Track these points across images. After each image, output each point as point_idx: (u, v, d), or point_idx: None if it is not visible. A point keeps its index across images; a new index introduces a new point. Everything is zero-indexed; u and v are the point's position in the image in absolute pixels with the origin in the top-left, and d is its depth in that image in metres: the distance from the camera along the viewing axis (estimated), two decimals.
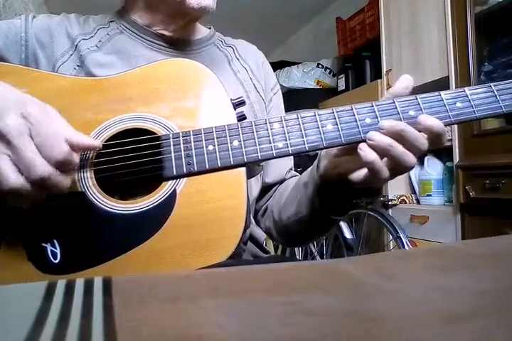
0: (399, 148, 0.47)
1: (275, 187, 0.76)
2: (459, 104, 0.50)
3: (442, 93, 0.50)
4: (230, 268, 0.34)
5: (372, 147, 0.47)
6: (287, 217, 0.67)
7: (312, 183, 0.60)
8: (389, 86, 2.01)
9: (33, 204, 0.45)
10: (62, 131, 0.44)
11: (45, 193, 0.44)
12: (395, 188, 2.01)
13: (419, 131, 0.48)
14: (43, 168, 0.42)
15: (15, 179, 0.41)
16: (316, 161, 0.60)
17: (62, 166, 0.43)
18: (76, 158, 0.45)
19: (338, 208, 0.60)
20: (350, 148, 0.52)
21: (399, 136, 0.47)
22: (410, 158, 0.47)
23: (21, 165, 0.41)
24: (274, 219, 0.71)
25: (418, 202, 1.96)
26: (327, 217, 0.61)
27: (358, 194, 0.58)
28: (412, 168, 0.48)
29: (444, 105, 0.50)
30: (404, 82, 0.52)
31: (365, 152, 0.47)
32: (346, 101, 2.35)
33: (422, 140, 0.47)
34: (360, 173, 0.50)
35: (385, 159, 0.48)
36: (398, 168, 0.48)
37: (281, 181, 0.76)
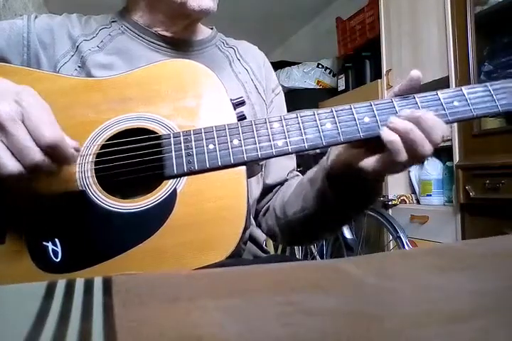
0: (418, 133, 0.48)
1: (276, 188, 0.75)
2: (456, 103, 0.50)
3: (440, 92, 0.51)
4: (230, 268, 0.34)
5: (393, 129, 0.48)
6: (293, 213, 0.66)
7: (321, 179, 0.60)
8: (389, 86, 2.01)
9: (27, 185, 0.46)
10: (53, 120, 0.44)
11: (38, 176, 0.44)
12: (395, 188, 2.01)
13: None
14: (36, 153, 0.41)
15: (12, 165, 0.41)
16: (324, 158, 0.60)
17: (55, 150, 0.43)
18: (66, 142, 0.44)
19: (356, 202, 0.60)
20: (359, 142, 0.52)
21: (418, 122, 0.48)
22: (427, 145, 0.48)
23: (15, 150, 0.41)
24: (276, 216, 0.71)
25: (418, 202, 1.95)
26: (341, 212, 0.60)
27: (372, 185, 0.57)
28: (426, 157, 0.49)
29: (442, 104, 0.50)
30: (413, 82, 0.51)
31: (387, 133, 0.48)
32: (346, 101, 2.32)
33: (441, 129, 0.48)
34: (373, 159, 0.50)
35: (405, 142, 0.48)
36: (415, 155, 0.48)
37: (283, 182, 0.76)
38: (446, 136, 0.50)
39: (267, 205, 0.75)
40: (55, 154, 0.43)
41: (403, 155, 0.48)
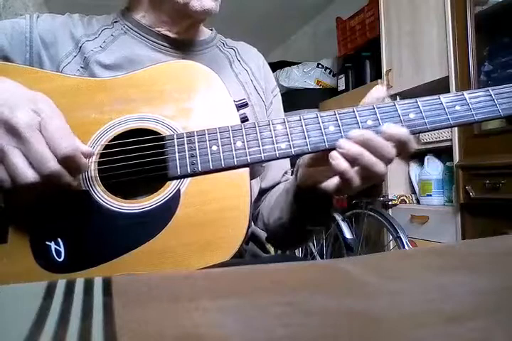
0: (368, 157, 0.47)
1: (269, 191, 0.76)
2: (458, 108, 0.51)
3: (442, 96, 0.52)
4: (230, 268, 0.34)
5: (343, 155, 0.48)
6: (273, 221, 0.68)
7: (291, 192, 0.61)
8: (389, 86, 2.01)
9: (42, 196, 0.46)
10: (69, 130, 0.45)
11: (53, 188, 0.45)
12: (395, 188, 2.01)
13: (386, 140, 0.48)
14: (53, 163, 0.42)
15: (30, 175, 0.42)
16: (294, 170, 0.60)
17: (70, 161, 0.44)
18: (82, 155, 0.45)
19: (315, 218, 0.61)
20: (321, 159, 0.52)
21: (366, 145, 0.48)
22: (380, 166, 0.48)
23: (32, 158, 0.42)
24: (264, 222, 0.72)
25: (418, 202, 1.96)
26: (304, 225, 0.62)
27: (330, 204, 0.58)
28: (382, 175, 0.49)
29: (444, 108, 0.51)
30: (377, 92, 0.53)
31: (337, 160, 0.48)
32: (346, 101, 2.35)
33: (389, 148, 0.48)
34: (332, 182, 0.50)
35: (356, 168, 0.48)
36: (369, 175, 0.48)
37: (276, 184, 0.76)
38: (410, 147, 0.49)
39: (258, 209, 0.76)
40: (70, 164, 0.44)
41: (355, 182, 0.48)
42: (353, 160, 0.48)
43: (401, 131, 0.48)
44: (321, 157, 0.52)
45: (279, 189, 0.72)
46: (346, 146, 0.48)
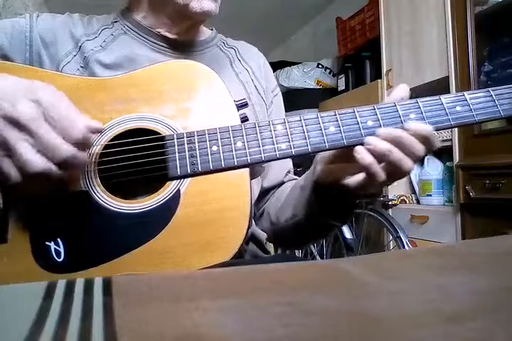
0: (397, 153, 0.48)
1: (273, 191, 0.76)
2: (458, 108, 0.51)
3: (442, 97, 0.51)
4: (230, 268, 0.34)
5: (370, 151, 0.48)
6: (285, 220, 0.67)
7: (309, 188, 0.60)
8: (389, 86, 2.01)
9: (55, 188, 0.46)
10: (74, 112, 0.45)
11: (68, 174, 0.45)
12: (395, 188, 2.00)
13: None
14: (66, 148, 0.42)
15: (41, 163, 0.42)
16: (311, 166, 0.60)
17: (83, 144, 0.44)
18: (90, 135, 0.46)
19: (338, 213, 0.60)
20: (343, 156, 0.52)
21: (395, 142, 0.48)
22: (408, 163, 0.48)
23: (44, 148, 0.42)
24: (271, 222, 0.71)
25: (418, 202, 1.95)
26: (326, 221, 0.61)
27: (356, 198, 0.58)
28: (408, 172, 0.49)
29: (444, 109, 0.51)
30: (402, 92, 0.52)
31: (362, 154, 0.48)
32: (346, 101, 2.35)
33: (418, 145, 0.48)
34: (356, 178, 0.50)
35: (383, 164, 0.49)
36: (396, 172, 0.49)
37: (279, 184, 0.76)
38: (434, 144, 0.49)
39: (262, 208, 0.75)
40: (83, 147, 0.44)
41: (380, 177, 0.48)
42: (380, 157, 0.48)
43: (426, 128, 0.48)
44: (342, 154, 0.52)
45: (286, 188, 0.72)
46: (374, 142, 0.48)
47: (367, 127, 0.50)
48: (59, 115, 0.43)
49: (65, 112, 0.43)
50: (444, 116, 0.50)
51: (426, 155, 0.50)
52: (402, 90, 0.53)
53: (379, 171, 0.48)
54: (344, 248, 1.86)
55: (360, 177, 0.50)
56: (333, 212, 0.60)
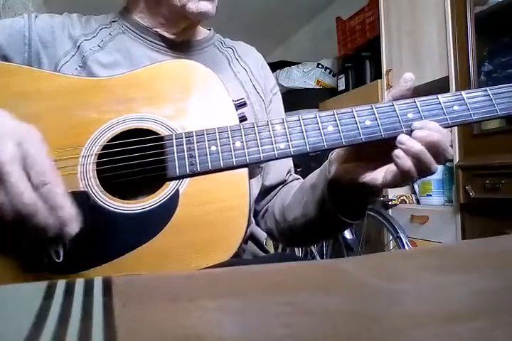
0: (429, 156, 0.48)
1: (276, 189, 0.76)
2: (456, 107, 0.51)
3: (440, 96, 0.52)
4: (230, 268, 0.34)
5: (406, 151, 0.48)
6: (293, 219, 0.67)
7: (322, 186, 0.60)
8: (389, 86, 2.01)
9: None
10: (50, 161, 0.41)
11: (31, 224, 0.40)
12: (395, 188, 2.00)
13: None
14: (27, 194, 0.38)
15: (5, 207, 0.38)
16: (326, 165, 0.60)
17: (48, 196, 0.39)
18: (61, 189, 0.41)
19: (353, 211, 0.60)
20: (359, 154, 0.53)
21: (431, 146, 0.48)
22: (435, 164, 0.49)
23: (8, 194, 0.38)
24: (276, 220, 0.71)
25: (418, 202, 1.95)
26: (339, 219, 0.61)
27: (371, 196, 0.58)
28: (434, 173, 0.50)
29: (442, 108, 0.51)
30: (408, 83, 0.52)
31: (402, 159, 0.48)
32: (346, 101, 2.35)
33: (449, 148, 0.49)
34: (386, 175, 0.50)
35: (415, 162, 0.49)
36: (424, 173, 0.49)
37: (282, 182, 0.76)
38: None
39: (265, 207, 0.75)
40: (49, 201, 0.39)
41: (415, 177, 0.49)
42: (415, 157, 0.48)
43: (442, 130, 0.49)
44: (357, 152, 0.53)
45: (293, 187, 0.72)
46: (411, 145, 0.48)
47: (365, 126, 0.50)
48: (35, 159, 0.39)
49: (42, 158, 0.40)
50: (442, 115, 0.50)
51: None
52: (408, 81, 0.52)
53: (414, 172, 0.48)
54: (344, 248, 1.86)
55: (390, 175, 0.50)
56: (347, 210, 0.59)
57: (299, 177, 0.78)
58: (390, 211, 1.97)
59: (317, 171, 0.64)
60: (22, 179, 0.39)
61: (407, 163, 0.48)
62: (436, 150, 0.48)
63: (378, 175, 0.51)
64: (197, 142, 0.50)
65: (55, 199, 0.40)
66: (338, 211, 0.59)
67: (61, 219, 0.40)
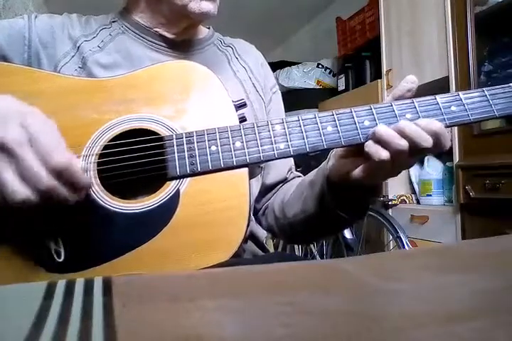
0: (401, 141, 0.48)
1: (277, 187, 0.76)
2: (453, 108, 0.51)
3: (438, 97, 0.52)
4: (230, 268, 0.34)
5: (378, 140, 0.48)
6: (293, 215, 0.67)
7: (321, 181, 0.60)
8: (389, 86, 2.01)
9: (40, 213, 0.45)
10: (60, 141, 0.43)
11: (52, 203, 0.43)
12: (395, 188, 2.00)
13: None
14: (46, 178, 0.41)
15: (22, 191, 0.40)
16: (325, 161, 0.60)
17: (66, 175, 0.42)
18: (77, 166, 0.44)
19: (352, 207, 0.60)
20: (357, 150, 0.52)
21: (401, 132, 0.48)
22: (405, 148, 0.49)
23: (25, 176, 0.41)
24: (276, 216, 0.71)
25: (418, 202, 1.95)
26: (338, 215, 0.61)
27: (370, 192, 0.58)
28: (411, 166, 0.51)
29: (440, 109, 0.51)
30: (409, 84, 0.52)
31: (372, 148, 0.49)
32: (346, 101, 2.35)
33: (426, 137, 0.48)
34: (360, 169, 0.51)
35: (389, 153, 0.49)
36: (401, 164, 0.50)
37: (283, 180, 0.76)
38: (445, 143, 0.50)
39: (265, 204, 0.75)
40: (67, 178, 0.42)
41: (388, 166, 0.49)
42: (385, 144, 0.48)
43: (436, 124, 0.49)
44: (355, 148, 0.53)
45: (293, 185, 0.72)
46: (382, 129, 0.49)
47: (364, 127, 0.51)
48: (44, 142, 0.41)
49: (51, 140, 0.42)
50: (440, 115, 0.51)
51: (439, 151, 0.51)
52: (409, 83, 0.53)
53: (386, 161, 0.49)
54: (344, 248, 1.85)
55: (361, 167, 0.51)
56: (346, 205, 0.59)
57: (300, 174, 0.78)
58: (390, 211, 1.97)
59: (317, 169, 0.64)
60: (35, 160, 0.41)
61: (384, 154, 0.48)
62: (408, 136, 0.48)
63: (358, 170, 0.52)
64: (197, 142, 0.50)
65: (71, 177, 0.43)
66: (337, 207, 0.59)
67: (78, 192, 0.45)
